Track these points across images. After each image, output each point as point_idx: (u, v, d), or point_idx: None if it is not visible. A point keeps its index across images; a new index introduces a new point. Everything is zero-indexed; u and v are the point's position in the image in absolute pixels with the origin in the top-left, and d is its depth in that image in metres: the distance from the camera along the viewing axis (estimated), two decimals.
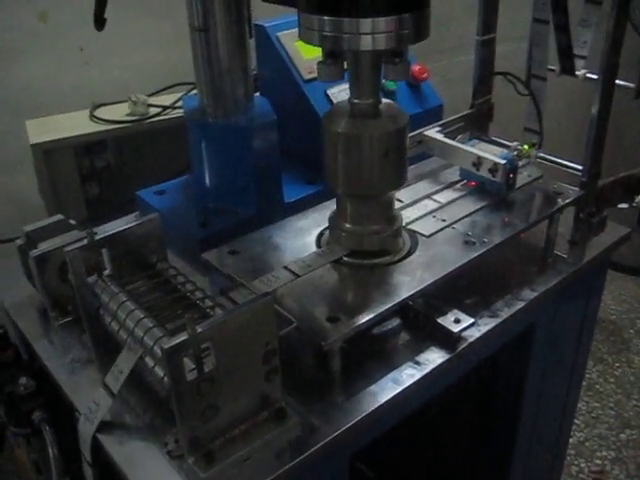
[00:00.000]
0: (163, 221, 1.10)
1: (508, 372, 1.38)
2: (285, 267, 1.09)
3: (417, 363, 1.04)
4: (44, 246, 1.11)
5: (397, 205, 1.22)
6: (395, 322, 1.12)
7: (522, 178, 1.30)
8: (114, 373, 0.93)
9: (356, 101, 1.07)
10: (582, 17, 1.38)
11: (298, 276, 1.07)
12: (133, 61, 2.15)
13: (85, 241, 1.02)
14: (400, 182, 1.14)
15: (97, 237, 1.03)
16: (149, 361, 0.93)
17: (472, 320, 1.08)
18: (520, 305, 1.16)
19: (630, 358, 2.91)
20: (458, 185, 1.35)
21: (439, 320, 1.07)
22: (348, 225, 1.15)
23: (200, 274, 1.20)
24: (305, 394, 0.98)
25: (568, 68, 1.35)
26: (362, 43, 0.94)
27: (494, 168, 1.24)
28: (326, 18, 0.94)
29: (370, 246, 1.14)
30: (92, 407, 0.94)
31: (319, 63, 1.04)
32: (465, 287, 1.19)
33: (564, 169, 1.39)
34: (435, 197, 1.31)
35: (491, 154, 1.27)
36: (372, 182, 1.09)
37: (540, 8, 1.37)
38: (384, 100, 1.09)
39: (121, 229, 1.06)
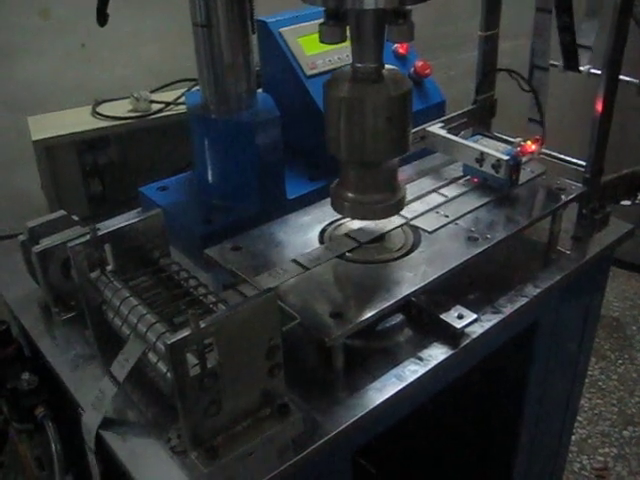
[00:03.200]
0: (166, 217, 1.10)
1: (511, 368, 1.38)
2: (294, 260, 1.08)
3: (420, 359, 1.03)
4: (47, 242, 1.11)
5: None
6: (398, 318, 1.12)
7: (525, 174, 1.30)
8: (120, 361, 0.93)
9: (359, 65, 1.04)
10: (587, 7, 1.37)
11: (307, 269, 1.06)
12: (135, 57, 2.15)
13: (88, 237, 1.02)
14: (403, 149, 1.10)
15: (100, 233, 1.03)
16: (152, 357, 0.93)
17: (475, 316, 1.08)
18: (523, 301, 1.16)
19: (633, 355, 2.91)
20: (461, 181, 1.35)
21: (442, 316, 1.07)
22: (350, 194, 1.13)
23: (203, 270, 1.20)
24: (308, 390, 0.98)
25: (572, 65, 1.34)
26: (365, 1, 0.92)
27: (497, 164, 1.24)
28: None
29: (373, 215, 1.13)
30: (99, 395, 0.94)
31: (321, 24, 1.00)
32: (468, 283, 1.19)
33: (567, 165, 1.39)
34: (438, 193, 1.31)
35: (494, 150, 1.27)
36: (375, 148, 1.06)
37: None
38: (387, 65, 1.06)
39: (124, 225, 1.06)
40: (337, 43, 1.02)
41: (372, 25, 1.00)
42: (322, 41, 1.02)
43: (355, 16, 1.00)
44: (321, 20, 1.00)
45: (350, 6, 0.94)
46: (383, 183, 1.13)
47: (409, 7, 0.97)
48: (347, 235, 1.18)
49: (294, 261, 1.08)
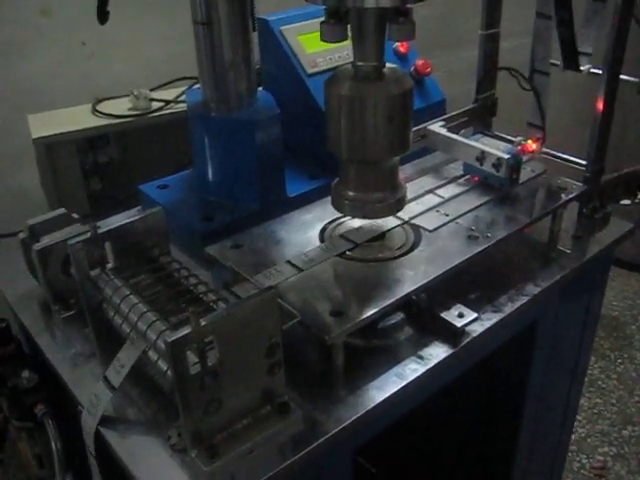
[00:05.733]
0: (166, 215, 1.10)
1: (511, 367, 1.38)
2: (288, 261, 1.08)
3: (420, 358, 1.03)
4: (47, 240, 1.11)
5: None
6: (398, 317, 1.12)
7: (526, 173, 1.30)
8: (115, 367, 0.93)
9: (360, 64, 1.04)
10: (586, 14, 1.37)
11: (301, 270, 1.06)
12: (136, 55, 2.15)
13: (88, 235, 1.02)
14: (404, 147, 1.10)
15: (100, 231, 1.03)
16: (152, 355, 0.93)
17: (475, 315, 1.08)
18: (523, 300, 1.16)
19: (632, 354, 2.91)
20: (461, 180, 1.35)
21: (442, 315, 1.07)
22: (351, 193, 1.12)
23: (203, 268, 1.20)
24: (308, 388, 0.98)
25: (572, 64, 1.34)
26: (366, 0, 0.92)
27: (498, 163, 1.24)
28: None
29: (373, 214, 1.13)
30: (93, 400, 0.94)
31: (322, 23, 1.00)
32: (468, 282, 1.19)
33: (568, 164, 1.39)
34: (438, 192, 1.31)
35: (495, 149, 1.27)
36: (376, 147, 1.06)
37: (543, 3, 1.36)
38: (388, 64, 1.06)
39: (124, 222, 1.05)
40: (338, 42, 1.01)
41: (373, 24, 1.00)
42: (323, 40, 1.02)
43: (356, 15, 0.99)
44: (322, 19, 1.00)
45: (351, 5, 0.94)
46: (383, 181, 1.12)
47: (410, 5, 0.96)
48: (343, 236, 1.18)
49: (289, 262, 1.08)
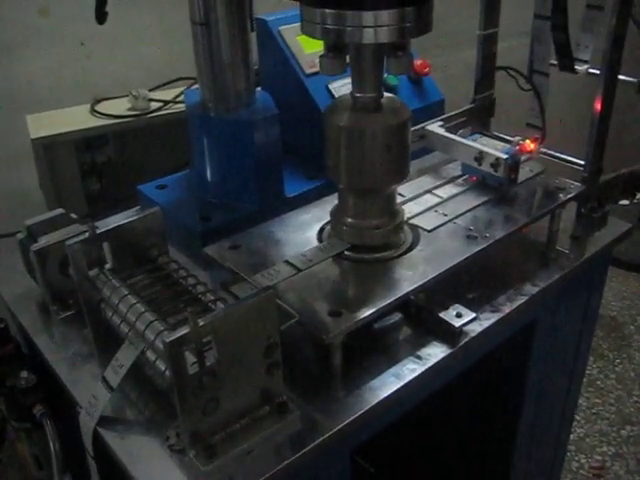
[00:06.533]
0: (164, 215, 1.10)
1: (510, 367, 1.38)
2: (286, 261, 1.08)
3: (419, 358, 1.03)
4: (45, 240, 1.11)
5: (399, 200, 1.22)
6: (396, 317, 1.12)
7: (524, 173, 1.30)
8: (114, 367, 0.93)
9: (358, 95, 1.06)
10: (583, 22, 1.38)
11: (299, 270, 1.06)
12: (134, 56, 2.15)
13: (86, 235, 1.02)
14: (402, 176, 1.13)
15: (98, 231, 1.03)
16: (150, 355, 0.92)
17: (474, 315, 1.08)
18: (522, 300, 1.16)
19: (631, 354, 2.91)
20: (460, 180, 1.35)
21: (441, 314, 1.07)
22: (350, 219, 1.14)
23: (201, 268, 1.20)
24: (306, 388, 0.98)
25: (567, 65, 1.34)
26: (364, 36, 0.94)
27: (496, 163, 1.24)
28: (328, 11, 0.94)
29: (371, 240, 1.14)
30: (91, 401, 0.94)
31: (321, 56, 1.03)
32: (467, 282, 1.19)
33: (566, 164, 1.39)
34: (437, 192, 1.31)
35: (493, 149, 1.27)
36: (374, 176, 1.09)
37: (541, 4, 1.37)
38: (386, 94, 1.09)
39: (122, 222, 1.05)
40: (337, 74, 1.04)
41: (371, 58, 1.03)
42: (322, 73, 1.05)
43: (355, 49, 1.02)
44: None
45: (349, 40, 0.96)
46: (382, 208, 1.15)
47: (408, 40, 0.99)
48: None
49: (287, 262, 1.08)
